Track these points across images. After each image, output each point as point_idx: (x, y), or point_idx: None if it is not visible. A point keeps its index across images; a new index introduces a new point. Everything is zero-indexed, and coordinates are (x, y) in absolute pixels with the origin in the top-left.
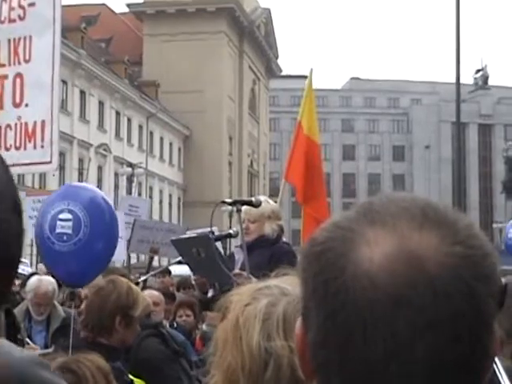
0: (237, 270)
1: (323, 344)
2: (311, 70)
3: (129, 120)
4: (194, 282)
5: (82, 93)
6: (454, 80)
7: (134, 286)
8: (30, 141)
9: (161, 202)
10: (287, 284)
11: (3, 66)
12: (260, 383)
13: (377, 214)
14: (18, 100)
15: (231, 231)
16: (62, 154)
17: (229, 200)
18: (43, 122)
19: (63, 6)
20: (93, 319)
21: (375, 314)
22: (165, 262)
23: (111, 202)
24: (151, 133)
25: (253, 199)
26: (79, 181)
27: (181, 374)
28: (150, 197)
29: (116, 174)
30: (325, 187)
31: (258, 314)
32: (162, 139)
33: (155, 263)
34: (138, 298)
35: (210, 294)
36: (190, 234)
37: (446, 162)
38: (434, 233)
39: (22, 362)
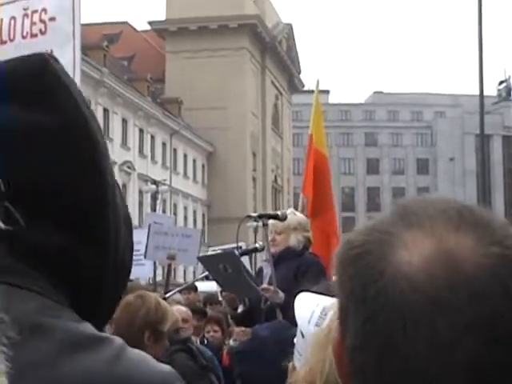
0: (265, 285)
1: (362, 347)
2: (317, 81)
3: (152, 137)
4: (222, 299)
5: (106, 111)
6: (477, 92)
7: (162, 300)
8: None
9: (185, 218)
10: None
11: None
12: None
13: (413, 217)
14: None
15: (257, 245)
16: None
17: (254, 214)
18: None
19: (85, 25)
20: (122, 335)
21: (415, 316)
22: (180, 270)
23: (147, 222)
24: (175, 150)
25: (279, 213)
26: None
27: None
28: (175, 214)
29: (140, 192)
30: (333, 199)
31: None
32: (185, 156)
33: (176, 278)
34: (167, 312)
35: (239, 309)
36: (216, 249)
37: (470, 174)
38: (471, 234)
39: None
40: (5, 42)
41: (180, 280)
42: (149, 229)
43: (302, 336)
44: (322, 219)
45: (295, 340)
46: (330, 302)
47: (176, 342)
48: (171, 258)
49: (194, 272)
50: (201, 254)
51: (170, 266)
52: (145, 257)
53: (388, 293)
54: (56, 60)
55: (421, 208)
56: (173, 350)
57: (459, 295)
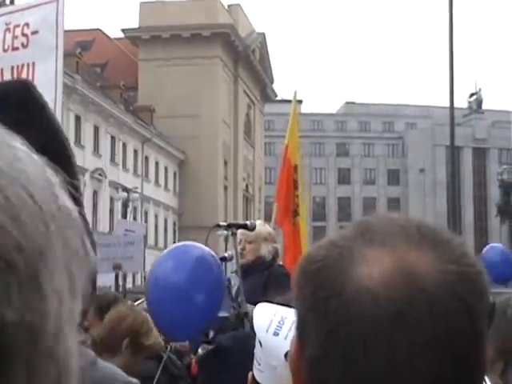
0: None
1: (323, 359)
2: (295, 91)
3: (124, 145)
4: None
5: (78, 118)
6: (448, 104)
7: (152, 324)
8: None
9: (156, 226)
10: None
11: None
12: None
13: (374, 233)
14: None
15: (226, 254)
16: None
17: (224, 223)
18: None
19: None
20: (103, 335)
21: (376, 329)
22: (129, 278)
23: (117, 229)
24: (146, 157)
25: (248, 222)
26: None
27: None
28: (146, 221)
29: (111, 199)
30: (293, 210)
31: None
32: (157, 164)
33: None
34: (153, 331)
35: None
36: None
37: (440, 185)
38: (430, 251)
39: None
40: None
41: (129, 286)
42: None
43: (261, 345)
44: (287, 228)
45: (255, 349)
46: (288, 312)
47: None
48: (118, 267)
49: (144, 277)
50: None
51: (117, 275)
52: None
53: (349, 306)
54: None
55: (382, 225)
56: (143, 358)
57: (419, 311)
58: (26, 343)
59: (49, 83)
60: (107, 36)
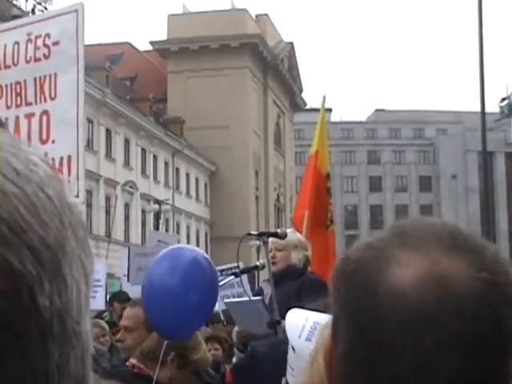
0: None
1: (351, 357)
2: (324, 97)
3: (155, 157)
4: (235, 334)
5: (108, 131)
6: (478, 109)
7: (200, 336)
8: None
9: (188, 237)
10: None
11: (30, 104)
12: None
13: (408, 237)
14: (44, 137)
15: (258, 263)
16: (88, 192)
17: (255, 232)
18: (69, 157)
19: (87, 45)
20: (151, 347)
21: (404, 331)
22: None
23: (150, 240)
24: (177, 169)
25: (279, 230)
26: (106, 218)
27: None
28: (178, 233)
29: (143, 211)
30: (328, 219)
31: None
32: (188, 175)
33: None
34: (200, 346)
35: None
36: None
37: (473, 191)
38: (462, 257)
39: None
40: (8, 67)
41: None
42: (129, 252)
43: (293, 350)
44: (317, 240)
45: (288, 355)
46: (321, 317)
47: None
48: None
49: None
50: (228, 301)
51: None
52: (128, 280)
53: (380, 308)
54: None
55: (416, 229)
56: (189, 372)
57: (447, 314)
58: (57, 325)
59: (71, 94)
60: (136, 49)
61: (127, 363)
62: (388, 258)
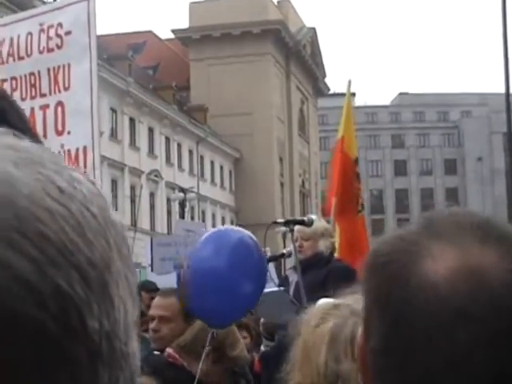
0: None
1: (384, 351)
2: (349, 81)
3: (179, 145)
4: (261, 325)
5: (132, 120)
6: (503, 90)
7: (239, 336)
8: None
9: (213, 225)
10: (357, 303)
11: (44, 95)
12: None
13: (440, 229)
14: (60, 128)
15: (284, 251)
16: (113, 182)
17: (281, 220)
18: (85, 148)
19: (109, 35)
20: (188, 340)
21: (438, 324)
22: None
23: (177, 229)
24: (201, 157)
25: (305, 218)
26: (132, 208)
27: None
28: (203, 221)
29: (168, 200)
30: (359, 204)
31: (326, 335)
32: (212, 163)
33: None
34: (239, 343)
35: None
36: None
37: (499, 173)
38: (495, 249)
39: None
40: (22, 58)
41: None
42: (151, 242)
43: None
44: (348, 226)
45: None
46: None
47: None
48: (181, 266)
49: None
50: None
51: (179, 275)
52: (152, 270)
53: (413, 301)
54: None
55: (448, 221)
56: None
57: (482, 307)
58: (106, 348)
59: (85, 84)
60: (158, 38)
61: (155, 353)
62: (420, 251)
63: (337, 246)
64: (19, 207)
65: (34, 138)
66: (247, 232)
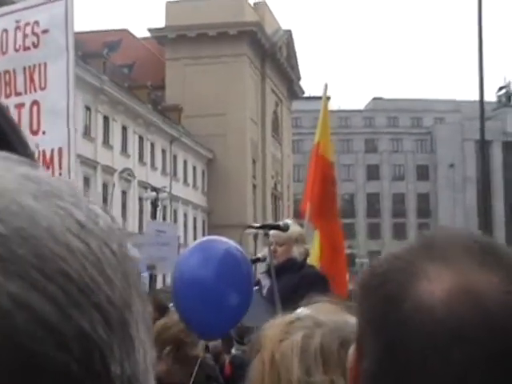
0: None
1: (380, 374)
2: (325, 85)
3: (152, 144)
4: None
5: (106, 118)
6: (477, 98)
7: None
8: (48, 168)
9: (185, 225)
10: (320, 313)
11: (20, 94)
12: None
13: (437, 250)
14: (35, 128)
15: (260, 256)
16: (86, 180)
17: (256, 224)
18: (60, 149)
19: (85, 32)
20: None
21: (433, 345)
22: (159, 277)
23: (148, 230)
24: (175, 157)
25: (281, 223)
26: (103, 206)
27: None
28: (175, 221)
29: (140, 199)
30: (337, 208)
31: (295, 348)
32: (185, 163)
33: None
34: (199, 342)
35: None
36: None
37: (470, 180)
38: (494, 272)
39: None
40: None
41: (160, 285)
42: None
43: None
44: (328, 228)
45: None
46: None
47: None
48: (152, 267)
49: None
50: None
51: (151, 275)
52: None
53: (408, 322)
54: None
55: (445, 242)
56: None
57: (476, 328)
58: None
59: (61, 85)
60: (134, 36)
61: None
62: (416, 271)
63: (317, 249)
64: (39, 243)
65: (25, 145)
66: (234, 243)
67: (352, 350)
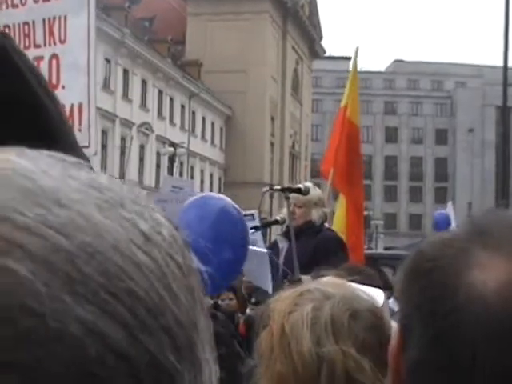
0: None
1: (426, 362)
2: (357, 48)
3: (171, 99)
4: (242, 283)
5: (125, 71)
6: (500, 63)
7: None
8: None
9: (202, 182)
10: (328, 286)
11: (39, 46)
12: None
13: (491, 237)
14: (54, 82)
15: (278, 218)
16: (104, 133)
17: (278, 187)
18: (80, 104)
19: None
20: None
21: (486, 339)
22: None
23: (164, 186)
24: (193, 112)
25: (301, 186)
26: (121, 159)
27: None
28: (192, 177)
29: (158, 154)
30: (362, 172)
31: (305, 319)
32: (204, 119)
33: None
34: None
35: (253, 299)
36: None
37: (489, 146)
38: None
39: None
40: (16, 6)
41: None
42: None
43: None
44: (353, 193)
45: None
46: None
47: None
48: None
49: None
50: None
51: None
52: None
53: (459, 312)
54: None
55: (500, 229)
56: None
57: None
58: None
59: (82, 39)
60: None
61: None
62: (469, 260)
63: (342, 213)
64: (106, 260)
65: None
66: (230, 200)
67: (393, 338)
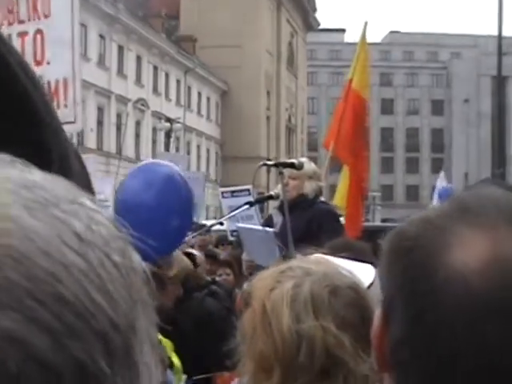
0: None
1: (407, 342)
2: (365, 23)
3: (166, 75)
4: (244, 262)
5: (120, 47)
6: (495, 33)
7: (179, 256)
8: (52, 100)
9: (198, 156)
10: (310, 263)
11: (23, 22)
12: (294, 367)
13: (472, 215)
14: (39, 58)
15: (272, 193)
16: (99, 109)
17: (271, 162)
18: (65, 79)
19: None
20: None
21: (466, 318)
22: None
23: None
24: (189, 88)
25: (295, 161)
26: (117, 136)
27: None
28: (188, 152)
29: (154, 129)
30: (367, 145)
31: (285, 296)
32: (199, 94)
33: None
34: (174, 261)
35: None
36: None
37: (485, 116)
38: None
39: None
40: None
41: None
42: None
43: None
44: (356, 165)
45: None
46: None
47: (203, 287)
48: None
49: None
50: (241, 225)
51: None
52: None
53: (440, 291)
54: None
55: (481, 206)
56: (203, 296)
57: None
58: None
59: (65, 13)
60: None
61: None
62: (449, 239)
63: (346, 183)
64: (33, 264)
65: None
66: (176, 168)
67: (376, 317)
